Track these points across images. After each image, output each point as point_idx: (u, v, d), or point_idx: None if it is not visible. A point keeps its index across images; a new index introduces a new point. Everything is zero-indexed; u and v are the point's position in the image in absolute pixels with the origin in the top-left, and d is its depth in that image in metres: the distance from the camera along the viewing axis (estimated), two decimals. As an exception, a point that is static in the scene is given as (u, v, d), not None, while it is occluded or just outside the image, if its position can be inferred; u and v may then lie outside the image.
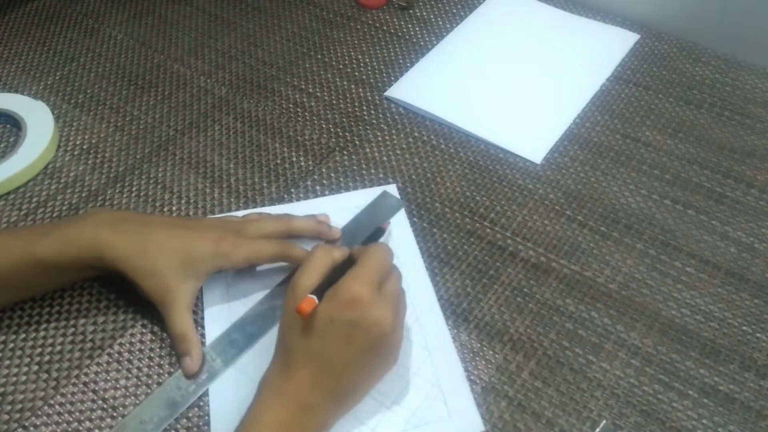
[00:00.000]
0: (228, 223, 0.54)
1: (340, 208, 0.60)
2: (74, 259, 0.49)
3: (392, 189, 0.62)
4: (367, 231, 0.57)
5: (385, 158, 0.66)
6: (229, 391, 0.49)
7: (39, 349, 0.52)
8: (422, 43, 0.80)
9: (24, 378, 0.50)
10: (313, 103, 0.72)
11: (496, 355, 0.51)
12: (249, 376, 0.49)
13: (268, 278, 0.55)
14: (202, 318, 0.53)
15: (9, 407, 0.48)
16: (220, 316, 0.53)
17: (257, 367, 0.49)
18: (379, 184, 0.63)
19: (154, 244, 0.50)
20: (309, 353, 0.44)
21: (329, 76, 0.76)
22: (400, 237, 0.58)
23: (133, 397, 0.48)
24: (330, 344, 0.44)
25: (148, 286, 0.50)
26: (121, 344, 0.52)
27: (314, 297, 0.43)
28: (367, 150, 0.67)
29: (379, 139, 0.68)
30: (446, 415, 0.47)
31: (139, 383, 0.49)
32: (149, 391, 0.49)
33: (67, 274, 0.51)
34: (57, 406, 0.48)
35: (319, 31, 0.82)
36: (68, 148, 0.67)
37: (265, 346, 0.51)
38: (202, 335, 0.52)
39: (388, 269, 0.47)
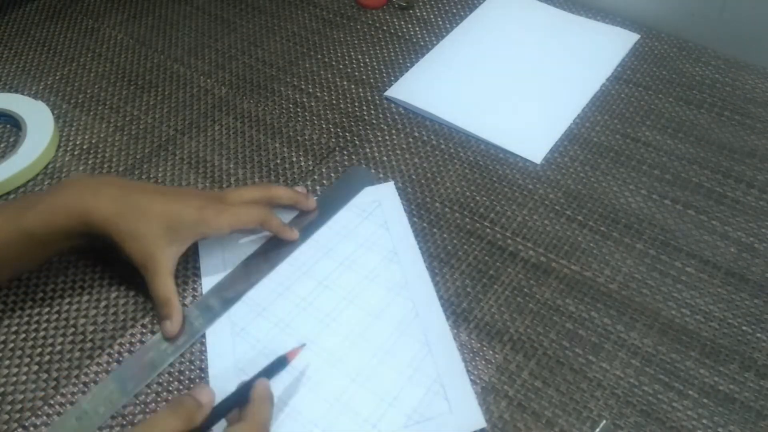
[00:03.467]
0: (210, 192, 0.56)
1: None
2: (62, 227, 0.49)
3: (390, 187, 0.62)
4: (340, 204, 0.60)
5: (385, 158, 0.66)
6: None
7: (39, 349, 0.52)
8: (422, 43, 0.80)
9: (24, 378, 0.50)
10: (313, 103, 0.72)
11: (496, 355, 0.51)
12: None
13: (259, 243, 0.58)
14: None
15: (9, 407, 0.48)
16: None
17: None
18: (379, 184, 0.63)
19: (137, 208, 0.50)
20: None
21: (329, 76, 0.76)
22: (399, 233, 0.59)
23: (133, 397, 0.48)
24: None
25: (131, 250, 0.50)
26: (121, 344, 0.52)
27: None
28: (367, 150, 0.67)
29: (379, 139, 0.68)
30: (448, 411, 0.47)
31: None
32: (149, 390, 0.49)
33: (56, 243, 0.51)
34: (57, 406, 0.48)
35: (319, 31, 0.82)
36: (68, 148, 0.67)
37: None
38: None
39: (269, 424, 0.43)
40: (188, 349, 0.51)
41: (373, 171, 0.64)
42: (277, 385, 0.48)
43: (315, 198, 0.61)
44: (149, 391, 0.49)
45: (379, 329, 0.52)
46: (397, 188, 0.63)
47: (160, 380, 0.49)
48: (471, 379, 0.49)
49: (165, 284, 0.51)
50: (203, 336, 0.52)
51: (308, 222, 0.59)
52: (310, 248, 0.58)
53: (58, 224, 0.49)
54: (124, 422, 0.47)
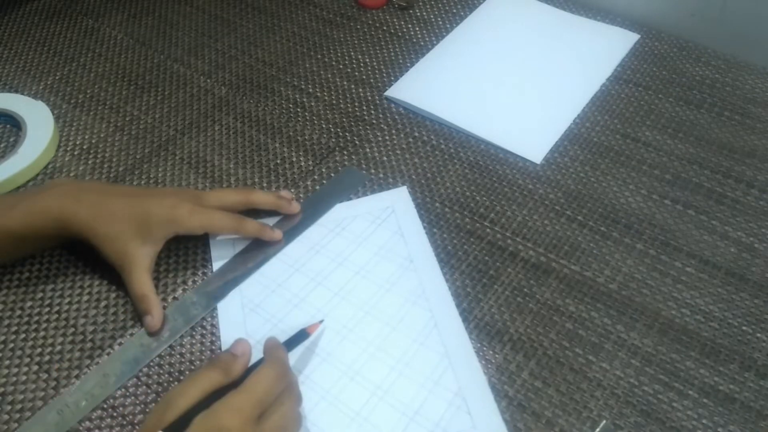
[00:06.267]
0: (189, 191, 0.57)
1: (349, 216, 0.60)
2: (40, 229, 0.52)
3: (402, 192, 0.62)
4: (329, 206, 0.60)
5: (385, 158, 0.66)
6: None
7: (39, 349, 0.52)
8: (422, 43, 0.80)
9: (24, 378, 0.50)
10: (313, 103, 0.72)
11: (496, 355, 0.51)
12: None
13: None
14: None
15: (9, 407, 0.48)
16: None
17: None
18: (380, 185, 0.63)
19: (112, 211, 0.52)
20: None
21: (329, 76, 0.76)
22: (414, 239, 0.58)
23: (133, 397, 0.48)
24: None
25: (109, 251, 0.52)
26: (121, 344, 0.52)
27: None
28: (367, 150, 0.67)
29: (379, 139, 0.68)
30: (471, 426, 0.46)
31: (139, 383, 0.49)
32: (149, 390, 0.49)
33: (35, 242, 0.55)
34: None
35: (319, 31, 0.82)
36: (68, 148, 0.67)
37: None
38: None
39: (274, 397, 0.42)
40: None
41: (373, 171, 0.64)
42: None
43: (305, 198, 0.61)
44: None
45: (398, 340, 0.51)
46: (397, 188, 0.63)
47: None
48: (471, 379, 0.49)
49: (141, 281, 0.52)
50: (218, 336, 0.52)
51: (295, 223, 0.59)
52: (325, 257, 0.57)
53: (36, 225, 0.52)
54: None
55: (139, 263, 0.52)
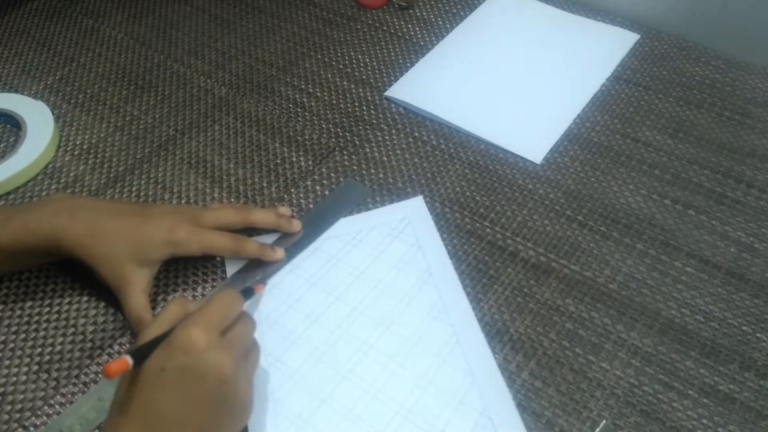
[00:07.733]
0: (186, 210, 0.55)
1: (365, 228, 0.59)
2: (33, 246, 0.51)
3: (419, 201, 0.61)
4: (330, 222, 0.59)
5: (385, 158, 0.66)
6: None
7: (39, 349, 0.52)
8: (422, 43, 0.80)
9: (24, 378, 0.50)
10: (313, 103, 0.72)
11: (496, 355, 0.51)
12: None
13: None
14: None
15: (9, 407, 0.48)
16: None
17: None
18: (379, 185, 0.63)
19: (108, 231, 0.51)
20: (134, 409, 0.40)
21: (329, 76, 0.76)
22: (432, 251, 0.57)
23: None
24: (159, 395, 0.40)
25: (104, 272, 0.51)
26: (121, 344, 0.52)
27: (128, 357, 0.39)
28: (367, 150, 0.67)
29: (379, 139, 0.68)
30: None
31: None
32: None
33: (27, 259, 0.54)
34: (57, 406, 0.48)
35: (319, 31, 0.82)
36: (68, 148, 0.67)
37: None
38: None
39: (233, 316, 0.44)
40: None
41: (372, 171, 0.64)
42: (320, 417, 0.47)
43: (303, 215, 0.60)
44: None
45: (419, 357, 0.50)
46: (397, 189, 0.63)
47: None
48: (471, 379, 0.49)
49: (137, 303, 0.51)
50: None
51: (296, 240, 0.58)
52: (342, 271, 0.55)
53: (27, 242, 0.50)
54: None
55: (135, 285, 0.51)
